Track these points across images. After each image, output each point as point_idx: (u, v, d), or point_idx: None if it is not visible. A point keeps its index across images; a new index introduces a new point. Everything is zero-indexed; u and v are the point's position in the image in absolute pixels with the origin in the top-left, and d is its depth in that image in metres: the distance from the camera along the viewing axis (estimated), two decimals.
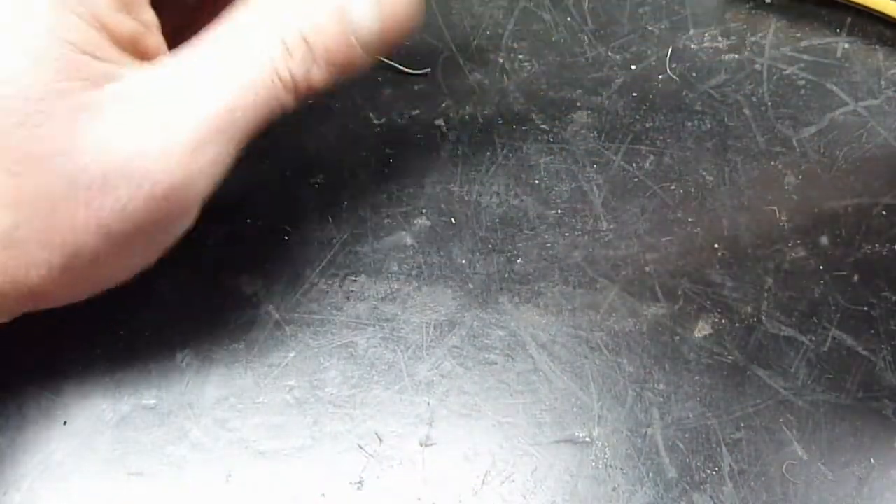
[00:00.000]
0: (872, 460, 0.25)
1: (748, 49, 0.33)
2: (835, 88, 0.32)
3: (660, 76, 0.33)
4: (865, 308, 0.27)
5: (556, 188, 0.30)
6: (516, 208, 0.29)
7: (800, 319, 0.27)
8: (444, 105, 0.32)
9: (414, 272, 0.28)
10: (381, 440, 0.25)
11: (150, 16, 0.22)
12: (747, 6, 0.35)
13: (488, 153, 0.31)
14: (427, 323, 0.27)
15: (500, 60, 0.33)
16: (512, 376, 0.26)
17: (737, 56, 0.33)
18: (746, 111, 0.32)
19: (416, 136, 0.31)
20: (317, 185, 0.30)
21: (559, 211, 0.29)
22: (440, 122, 0.31)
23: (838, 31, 0.34)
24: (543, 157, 0.31)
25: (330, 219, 0.29)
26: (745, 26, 0.34)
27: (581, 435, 0.25)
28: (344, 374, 0.26)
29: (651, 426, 0.25)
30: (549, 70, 0.33)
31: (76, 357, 0.26)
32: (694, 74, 0.33)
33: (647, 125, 0.31)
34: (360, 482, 0.25)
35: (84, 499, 0.24)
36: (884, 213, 0.29)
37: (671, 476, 0.25)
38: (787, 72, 0.33)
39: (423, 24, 0.34)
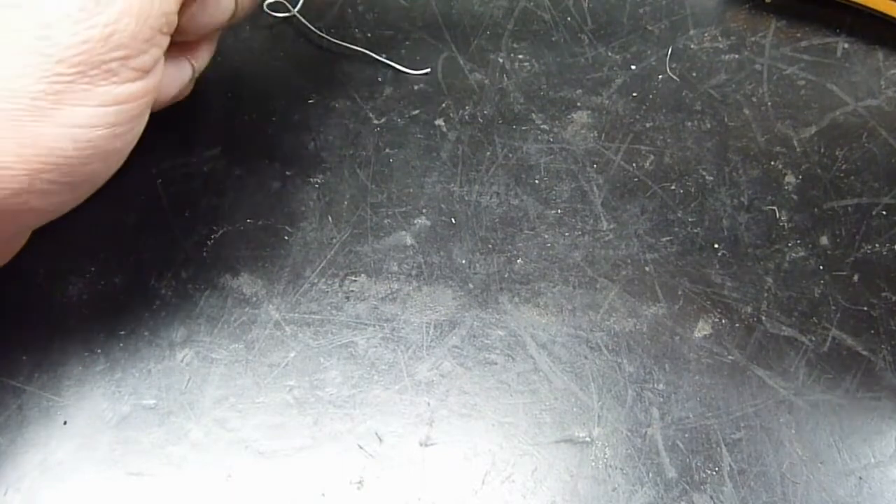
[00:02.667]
0: (873, 459, 0.25)
1: (748, 49, 0.33)
2: (835, 88, 0.32)
3: (660, 76, 0.33)
4: (865, 308, 0.27)
5: (556, 188, 0.30)
6: (516, 208, 0.29)
7: (800, 319, 0.27)
8: (444, 105, 0.32)
9: (414, 272, 0.28)
10: (381, 440, 0.25)
11: None
12: (747, 6, 0.35)
13: (488, 153, 0.31)
14: (427, 323, 0.27)
15: (500, 60, 0.33)
16: (512, 376, 0.26)
17: (737, 56, 0.33)
18: (746, 111, 0.32)
19: (416, 136, 0.31)
20: (317, 185, 0.30)
21: (559, 211, 0.29)
22: (440, 122, 0.31)
23: (838, 31, 0.34)
24: (543, 157, 0.31)
25: (330, 219, 0.29)
26: (745, 26, 0.34)
27: (581, 435, 0.25)
28: (344, 374, 0.26)
29: (651, 426, 0.25)
30: (549, 70, 0.33)
31: (76, 357, 0.26)
32: (694, 74, 0.33)
33: (647, 125, 0.31)
34: (360, 482, 0.25)
35: (84, 499, 0.24)
36: (884, 213, 0.29)
37: (671, 476, 0.25)
38: (787, 72, 0.33)
39: (424, 24, 0.34)
